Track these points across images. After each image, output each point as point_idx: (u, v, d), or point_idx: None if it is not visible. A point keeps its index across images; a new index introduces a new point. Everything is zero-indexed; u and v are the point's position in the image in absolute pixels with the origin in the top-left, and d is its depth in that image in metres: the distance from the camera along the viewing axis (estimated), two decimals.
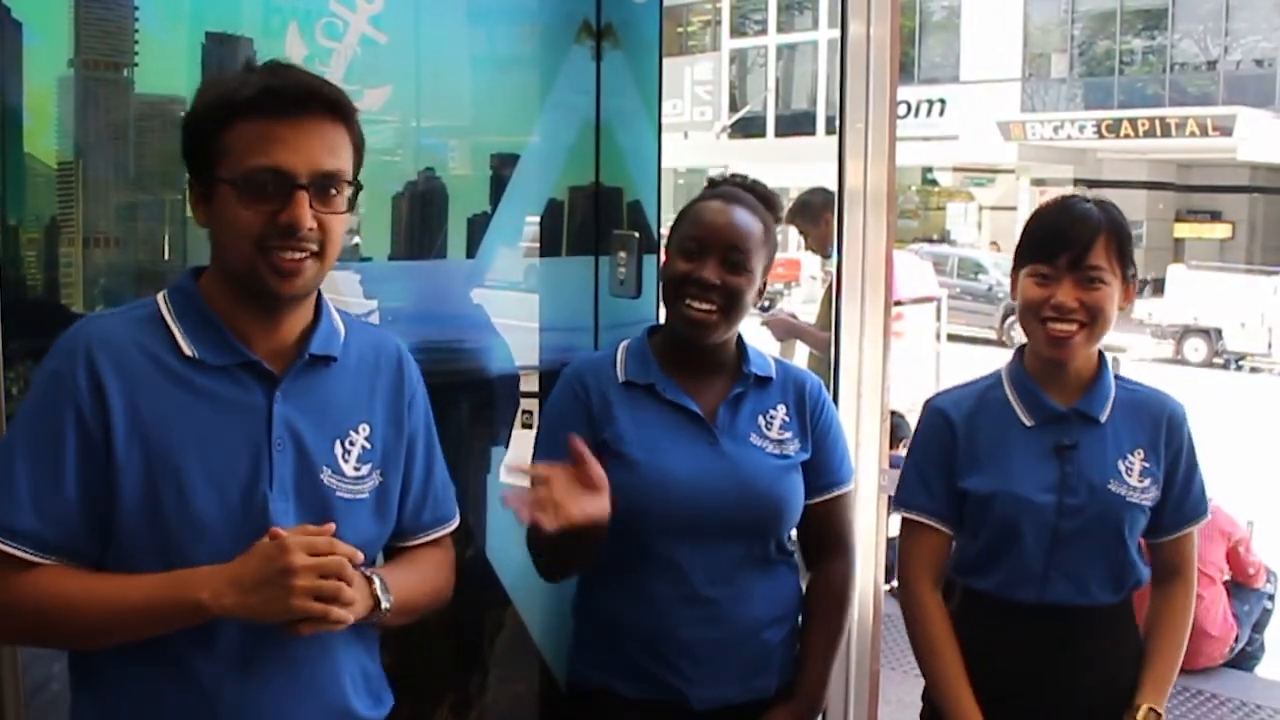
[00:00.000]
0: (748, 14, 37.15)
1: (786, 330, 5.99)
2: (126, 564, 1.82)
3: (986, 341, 22.69)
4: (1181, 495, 2.57)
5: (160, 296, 1.94)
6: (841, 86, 3.33)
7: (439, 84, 2.89)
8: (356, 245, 2.75)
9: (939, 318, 10.64)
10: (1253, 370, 21.75)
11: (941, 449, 2.56)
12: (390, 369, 2.06)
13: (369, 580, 1.87)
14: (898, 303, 7.13)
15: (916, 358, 9.77)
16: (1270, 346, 21.91)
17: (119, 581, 1.80)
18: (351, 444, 1.95)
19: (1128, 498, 2.48)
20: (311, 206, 1.83)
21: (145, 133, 2.45)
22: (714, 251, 2.45)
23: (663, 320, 2.61)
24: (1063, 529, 2.46)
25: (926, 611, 2.55)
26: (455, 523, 2.19)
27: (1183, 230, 31.46)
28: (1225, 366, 22.08)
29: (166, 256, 2.53)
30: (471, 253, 2.94)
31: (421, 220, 2.87)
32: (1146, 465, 2.51)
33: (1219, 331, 22.34)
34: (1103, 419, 2.51)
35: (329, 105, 1.87)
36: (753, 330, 2.69)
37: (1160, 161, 30.72)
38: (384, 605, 1.88)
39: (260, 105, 1.83)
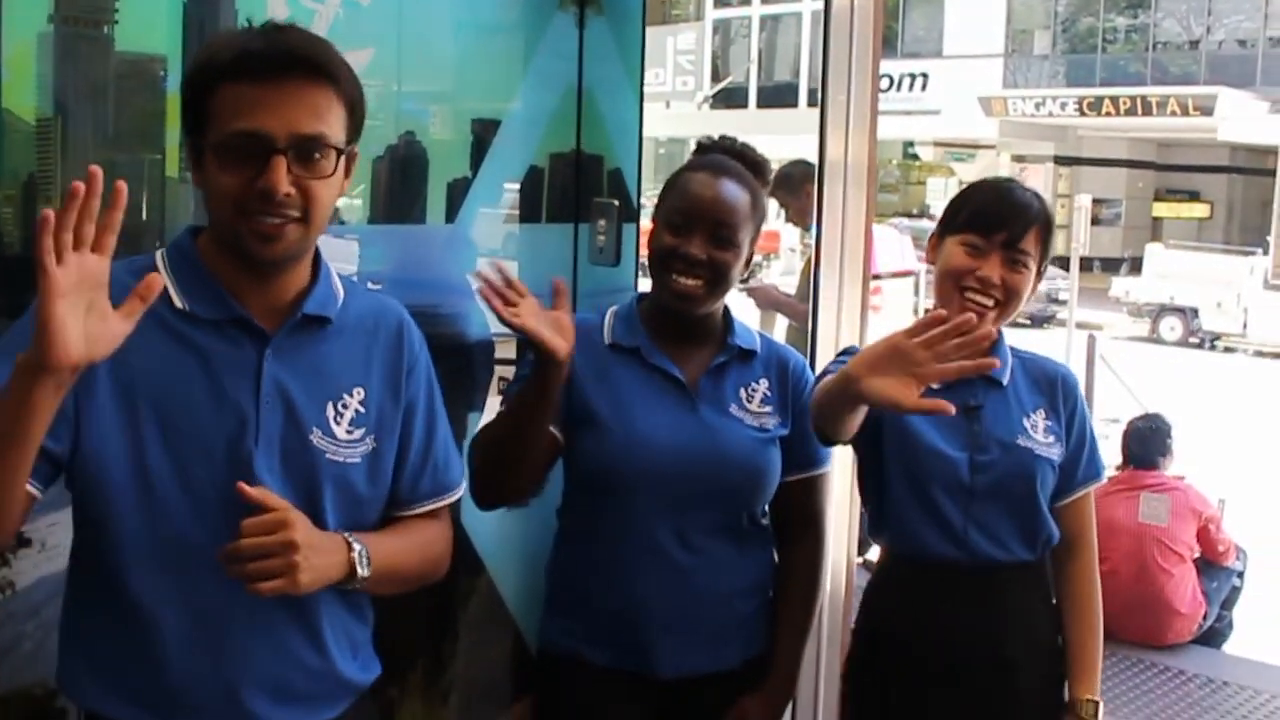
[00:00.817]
0: None
1: (769, 302, 6.01)
2: (111, 513, 1.81)
3: None
4: (1076, 455, 2.63)
5: (159, 251, 1.93)
6: (824, 58, 3.33)
7: (421, 48, 2.87)
8: (336, 209, 2.75)
9: (917, 292, 10.67)
10: (1227, 350, 21.88)
11: None
12: (389, 335, 2.03)
13: (349, 546, 1.87)
14: (876, 276, 7.14)
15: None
16: (1245, 327, 22.03)
17: None
18: (344, 407, 1.93)
19: (1036, 451, 2.55)
20: (292, 171, 1.80)
21: (125, 91, 2.43)
22: (701, 226, 2.45)
23: (647, 289, 2.61)
24: (976, 485, 2.52)
25: None
26: (458, 492, 2.16)
27: (1161, 209, 31.57)
28: (1200, 346, 22.20)
29: (145, 216, 2.52)
30: (451, 218, 2.93)
31: (401, 184, 2.86)
32: (1049, 423, 2.59)
33: (1195, 311, 22.45)
34: (1005, 381, 2.58)
35: (312, 67, 1.83)
36: (734, 301, 2.68)
37: (1141, 140, 30.80)
38: (360, 573, 1.87)
39: (241, 68, 1.80)
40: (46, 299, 1.57)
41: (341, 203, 2.76)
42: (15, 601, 2.32)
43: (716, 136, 2.66)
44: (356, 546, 1.88)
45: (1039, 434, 2.57)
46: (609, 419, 2.47)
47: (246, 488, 1.75)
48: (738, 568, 2.55)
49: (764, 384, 2.59)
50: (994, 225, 2.48)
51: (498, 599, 3.10)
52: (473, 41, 2.98)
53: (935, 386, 2.49)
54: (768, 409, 2.57)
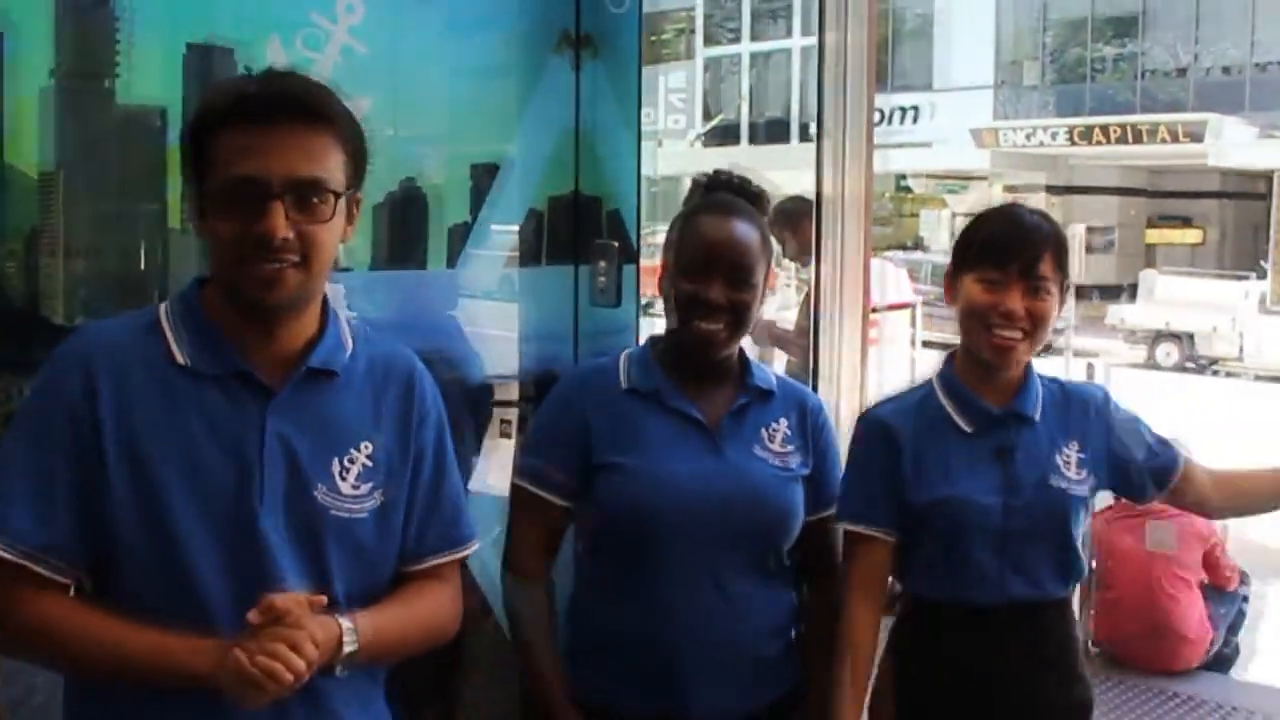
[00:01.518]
0: (721, 22, 37.24)
1: (771, 338, 6.00)
2: (126, 574, 1.81)
3: None
4: (1149, 454, 2.61)
5: (163, 305, 1.91)
6: (819, 93, 3.36)
7: (419, 94, 2.90)
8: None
9: (914, 324, 10.66)
10: (1227, 375, 21.88)
11: (887, 461, 2.54)
12: (400, 386, 2.00)
13: (338, 625, 1.82)
14: (873, 310, 7.15)
15: (892, 364, 9.79)
16: (1241, 351, 22.04)
17: (123, 630, 1.77)
18: (351, 461, 1.90)
19: (1069, 490, 2.51)
20: (290, 216, 1.79)
21: (127, 143, 2.45)
22: (718, 270, 2.42)
23: (661, 331, 2.57)
24: (1011, 529, 2.48)
25: (860, 631, 2.53)
26: (469, 548, 2.11)
27: (1154, 236, 31.62)
28: (1198, 371, 22.21)
29: (144, 267, 2.53)
30: (452, 263, 2.94)
31: (402, 230, 2.87)
32: (1082, 456, 2.55)
33: (1191, 336, 22.46)
34: (1036, 417, 2.54)
35: (306, 110, 1.82)
36: None
37: (1132, 168, 30.87)
38: (346, 650, 1.82)
39: (237, 112, 1.79)
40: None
41: (345, 248, 2.78)
42: None
43: (711, 171, 2.64)
44: (345, 625, 1.83)
45: (1071, 470, 2.52)
46: (634, 464, 2.43)
47: (276, 601, 1.73)
48: (767, 608, 2.52)
49: (784, 423, 2.56)
50: (1007, 256, 2.45)
51: (505, 643, 3.09)
52: (470, 87, 3.00)
53: (969, 430, 2.51)
54: (790, 448, 2.54)
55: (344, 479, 1.90)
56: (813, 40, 3.41)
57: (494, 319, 3.06)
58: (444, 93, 2.95)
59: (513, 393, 3.06)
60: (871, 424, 2.60)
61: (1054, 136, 29.25)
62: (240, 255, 1.80)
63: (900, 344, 10.15)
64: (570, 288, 3.15)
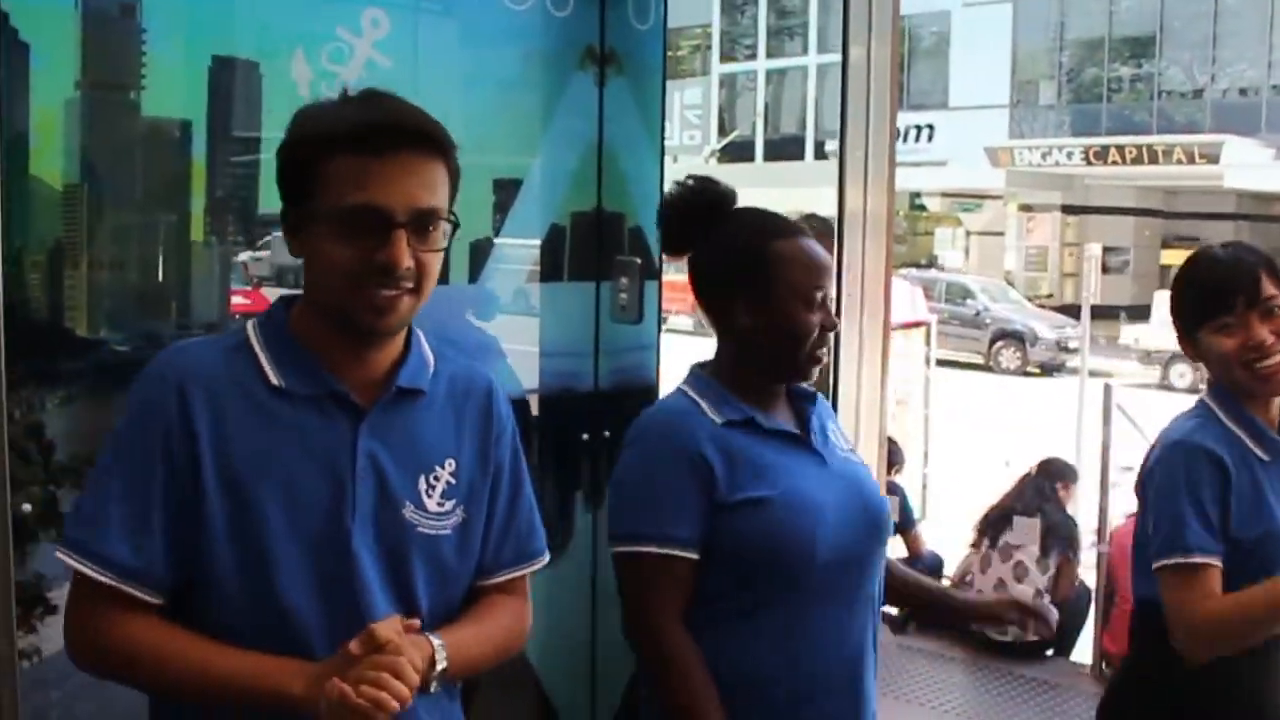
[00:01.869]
0: (738, 39, 37.32)
1: None
2: (213, 596, 1.80)
3: (974, 366, 22.73)
4: None
5: (250, 325, 1.91)
6: (842, 110, 3.35)
7: (442, 109, 2.84)
8: None
9: (929, 343, 10.65)
10: None
11: (1219, 491, 2.45)
12: (479, 404, 2.01)
13: (430, 644, 1.83)
14: None
15: (907, 382, 9.79)
16: None
17: (213, 651, 1.77)
18: (436, 479, 1.92)
19: None
20: (410, 244, 1.80)
21: (151, 155, 2.45)
22: (828, 297, 2.41)
23: (676, 347, 2.51)
24: None
25: (1227, 625, 2.42)
26: (541, 561, 2.10)
27: (1170, 257, 31.53)
28: None
29: (165, 279, 2.53)
30: (474, 278, 2.94)
31: None
32: None
33: None
34: None
35: (427, 140, 1.83)
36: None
37: (1147, 188, 30.86)
38: (439, 667, 1.82)
39: (359, 140, 1.78)
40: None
41: None
42: (42, 669, 2.31)
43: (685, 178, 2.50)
44: (437, 645, 1.83)
45: None
46: (771, 494, 2.31)
47: (378, 631, 1.72)
48: (875, 621, 2.46)
49: (832, 417, 2.56)
50: (1231, 296, 2.46)
51: (521, 657, 3.08)
52: (493, 102, 2.99)
53: (1266, 459, 2.47)
54: (850, 443, 2.53)
55: (430, 496, 1.91)
56: (827, 57, 3.41)
57: (512, 334, 3.05)
58: (467, 107, 2.94)
59: (532, 409, 3.05)
60: (1193, 452, 2.48)
61: (1069, 156, 29.25)
62: (358, 280, 1.80)
63: (915, 361, 10.14)
64: (591, 304, 3.14)
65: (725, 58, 37.03)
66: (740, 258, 2.38)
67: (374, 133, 1.79)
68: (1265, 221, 29.82)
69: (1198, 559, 2.40)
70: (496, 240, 2.98)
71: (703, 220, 2.42)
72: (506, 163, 3.01)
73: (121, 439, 1.82)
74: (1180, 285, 2.57)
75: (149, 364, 1.86)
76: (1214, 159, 27.01)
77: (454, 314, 2.93)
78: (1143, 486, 2.59)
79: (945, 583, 6.74)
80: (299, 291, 1.93)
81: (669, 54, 3.48)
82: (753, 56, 36.63)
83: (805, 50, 34.96)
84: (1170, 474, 2.48)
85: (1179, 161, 27.59)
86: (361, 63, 2.70)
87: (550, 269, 3.08)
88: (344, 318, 1.83)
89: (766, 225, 2.43)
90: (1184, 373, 22.34)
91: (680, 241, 2.46)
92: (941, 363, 12.09)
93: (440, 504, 1.92)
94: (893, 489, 6.78)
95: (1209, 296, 2.49)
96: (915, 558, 7.80)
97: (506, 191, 3.00)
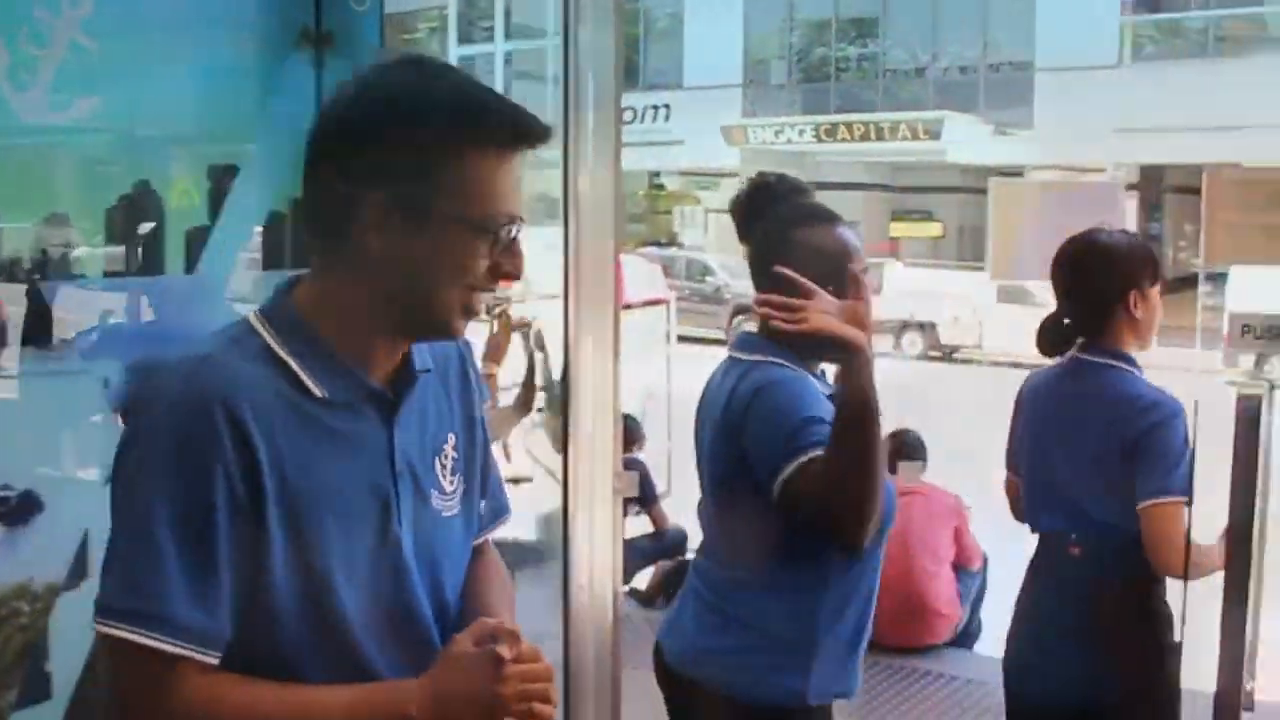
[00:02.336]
0: (475, 20, 37.07)
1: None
2: (273, 630, 1.65)
3: (715, 341, 23.18)
4: None
5: (257, 325, 1.72)
6: (565, 92, 3.36)
7: (153, 92, 2.79)
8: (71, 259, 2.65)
9: (669, 320, 10.83)
10: (965, 361, 22.87)
11: None
12: (457, 368, 1.90)
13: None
14: (627, 306, 7.24)
15: (647, 359, 9.93)
16: (981, 339, 23.06)
17: (311, 693, 1.64)
18: (446, 458, 1.83)
19: None
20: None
21: None
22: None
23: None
24: None
25: None
26: (509, 516, 2.04)
27: (898, 229, 32.81)
28: (941, 358, 23.14)
29: None
30: (190, 268, 2.85)
31: (137, 234, 2.77)
32: None
33: (934, 325, 23.40)
34: None
35: (541, 140, 1.72)
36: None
37: (875, 164, 31.95)
38: None
39: (498, 137, 1.67)
40: None
41: (83, 254, 2.67)
42: None
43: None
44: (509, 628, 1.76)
45: None
46: None
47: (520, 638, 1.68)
48: None
49: None
50: None
51: None
52: (207, 85, 2.90)
53: None
54: None
55: (445, 478, 1.83)
56: (528, 43, 3.41)
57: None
58: (179, 91, 2.84)
59: None
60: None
61: (801, 134, 30.08)
62: (470, 286, 1.69)
63: (655, 339, 10.30)
64: None
65: (463, 40, 36.74)
66: (778, 240, 2.83)
67: (520, 135, 1.68)
68: (985, 194, 31.18)
69: None
70: (214, 229, 2.89)
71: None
72: (221, 149, 2.93)
73: (161, 483, 1.59)
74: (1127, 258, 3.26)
75: (166, 386, 1.64)
76: (936, 135, 28.17)
77: (173, 306, 2.85)
78: None
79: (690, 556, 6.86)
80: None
81: (404, 36, 3.43)
82: (490, 39, 36.43)
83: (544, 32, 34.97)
84: None
85: (904, 138, 28.68)
86: (64, 44, 2.58)
87: (272, 257, 3.01)
88: (423, 319, 1.72)
89: (810, 209, 2.94)
90: (915, 340, 23.34)
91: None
92: (683, 338, 12.30)
93: (451, 481, 1.83)
94: (632, 464, 6.87)
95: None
96: (660, 533, 7.93)
97: (223, 178, 2.91)
